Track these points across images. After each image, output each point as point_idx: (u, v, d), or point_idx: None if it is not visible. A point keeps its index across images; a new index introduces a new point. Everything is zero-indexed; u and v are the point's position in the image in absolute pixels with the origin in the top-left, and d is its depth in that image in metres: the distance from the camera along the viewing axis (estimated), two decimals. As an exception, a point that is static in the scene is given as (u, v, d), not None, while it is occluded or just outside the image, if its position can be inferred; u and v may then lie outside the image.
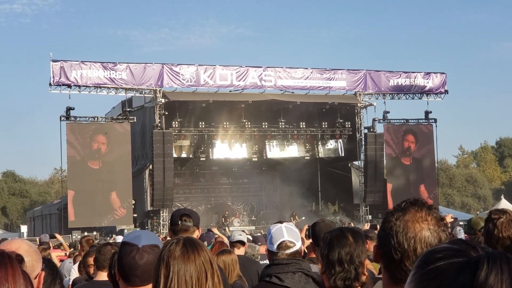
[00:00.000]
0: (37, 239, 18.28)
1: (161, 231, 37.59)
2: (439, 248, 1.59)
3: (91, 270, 7.99)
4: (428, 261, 1.57)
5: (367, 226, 15.66)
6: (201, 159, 44.69)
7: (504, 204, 47.18)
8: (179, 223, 5.14)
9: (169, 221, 5.95)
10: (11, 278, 2.10)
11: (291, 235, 4.69)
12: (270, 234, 4.78)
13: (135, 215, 40.99)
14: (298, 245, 4.68)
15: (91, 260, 8.03)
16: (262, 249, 10.67)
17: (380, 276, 5.22)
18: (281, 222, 4.90)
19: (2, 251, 2.22)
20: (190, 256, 2.93)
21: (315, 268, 5.42)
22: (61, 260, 11.88)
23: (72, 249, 12.68)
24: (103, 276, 6.39)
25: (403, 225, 2.47)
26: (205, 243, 10.72)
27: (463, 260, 1.51)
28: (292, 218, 43.37)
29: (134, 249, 3.55)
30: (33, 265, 3.21)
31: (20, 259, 3.02)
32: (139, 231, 4.07)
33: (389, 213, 2.56)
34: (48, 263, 5.36)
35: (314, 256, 6.02)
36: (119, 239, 17.35)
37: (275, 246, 4.67)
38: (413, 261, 2.16)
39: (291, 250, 4.63)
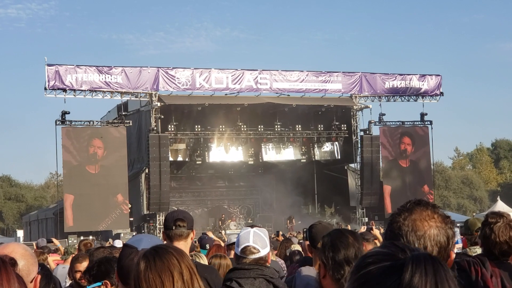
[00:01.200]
0: (34, 244, 18.24)
1: (158, 235, 37.54)
2: (370, 253, 1.65)
3: (78, 276, 7.74)
4: (360, 266, 1.62)
5: (363, 229, 15.66)
6: (197, 162, 44.69)
7: (500, 206, 47.23)
8: (173, 228, 5.11)
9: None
10: (6, 282, 2.09)
11: (257, 241, 4.66)
12: (238, 237, 4.78)
13: (131, 218, 40.93)
14: (263, 252, 4.64)
15: (80, 266, 7.83)
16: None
17: None
18: (252, 226, 4.89)
19: None
20: (151, 265, 2.92)
21: (311, 269, 5.40)
22: (58, 264, 11.84)
23: (64, 255, 12.59)
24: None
25: (411, 224, 2.51)
26: (207, 246, 10.72)
27: (389, 264, 1.57)
28: (289, 221, 43.39)
29: (133, 252, 3.56)
30: (29, 269, 3.19)
31: (13, 262, 3.00)
32: (143, 234, 4.11)
33: (396, 214, 2.60)
34: (42, 267, 5.35)
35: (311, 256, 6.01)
36: (118, 243, 17.32)
37: (239, 250, 4.66)
38: None
39: (254, 256, 4.61)
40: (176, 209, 5.33)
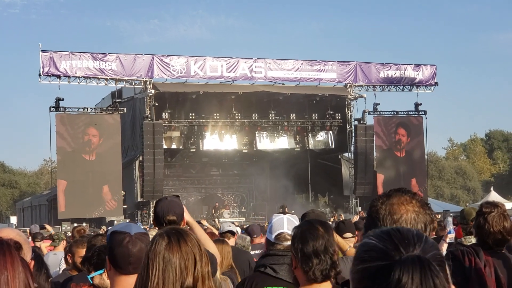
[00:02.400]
0: (28, 230, 18.24)
1: (151, 222, 37.51)
2: (367, 246, 1.72)
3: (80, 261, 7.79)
4: (358, 260, 1.71)
5: (356, 218, 15.68)
6: (191, 150, 44.64)
7: (493, 196, 47.41)
8: (164, 225, 5.07)
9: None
10: (10, 266, 2.10)
11: (291, 227, 4.66)
12: (271, 224, 4.77)
13: (125, 206, 40.94)
14: None
15: (82, 252, 7.83)
16: (257, 240, 10.68)
17: None
18: (284, 213, 4.89)
19: (1, 239, 2.22)
20: (175, 248, 2.91)
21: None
22: (51, 251, 11.83)
23: (54, 241, 12.53)
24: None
25: (389, 208, 2.53)
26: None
27: (381, 265, 1.64)
28: (281, 210, 43.36)
29: (126, 237, 3.55)
30: (24, 254, 3.19)
31: (18, 246, 3.00)
32: (127, 222, 4.10)
33: (374, 199, 2.63)
34: (33, 253, 5.34)
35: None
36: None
37: (273, 236, 4.66)
38: None
39: (289, 242, 4.62)
40: (166, 197, 5.10)
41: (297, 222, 4.77)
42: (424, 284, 1.61)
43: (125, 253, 3.49)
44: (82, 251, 7.71)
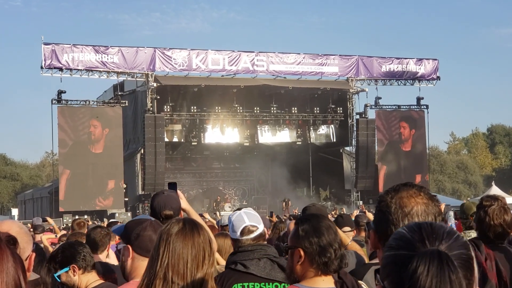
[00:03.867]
0: (30, 224, 18.24)
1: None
2: (396, 235, 1.80)
3: None
4: (388, 245, 1.79)
5: (357, 212, 15.69)
6: (193, 143, 44.62)
7: (495, 190, 47.30)
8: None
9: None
10: None
11: (252, 219, 4.67)
12: (231, 222, 4.75)
13: (126, 199, 40.95)
14: (260, 228, 4.65)
15: None
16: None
17: (373, 261, 5.22)
18: (239, 209, 4.87)
19: None
20: (188, 235, 2.96)
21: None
22: (52, 243, 11.85)
23: (59, 233, 12.57)
24: (97, 258, 6.37)
25: (399, 202, 2.56)
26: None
27: (403, 254, 1.72)
28: (284, 204, 43.42)
29: (148, 223, 3.63)
30: (24, 247, 3.19)
31: (12, 240, 3.00)
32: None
33: (383, 194, 2.65)
34: (35, 245, 5.34)
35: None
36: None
37: (238, 233, 4.64)
38: None
39: (255, 234, 4.60)
40: (162, 192, 5.03)
41: (254, 213, 4.77)
42: (439, 278, 1.65)
43: (150, 236, 3.53)
44: None
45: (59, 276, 5.21)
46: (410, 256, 1.70)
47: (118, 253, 9.74)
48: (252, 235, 4.60)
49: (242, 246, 4.60)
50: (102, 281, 5.29)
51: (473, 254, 1.76)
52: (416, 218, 2.49)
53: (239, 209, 4.87)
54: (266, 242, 4.72)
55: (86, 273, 5.22)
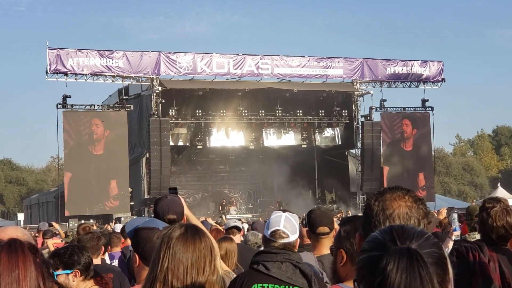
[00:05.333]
0: (36, 229, 18.27)
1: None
2: (370, 237, 1.82)
3: None
4: (362, 249, 1.80)
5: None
6: (198, 147, 44.65)
7: (500, 192, 47.27)
8: None
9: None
10: (22, 264, 2.13)
11: (288, 226, 4.67)
12: (269, 220, 4.78)
13: (132, 203, 40.99)
14: (292, 238, 4.66)
15: None
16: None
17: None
18: (284, 211, 4.88)
19: (14, 238, 2.25)
20: (189, 240, 2.98)
21: (309, 255, 5.41)
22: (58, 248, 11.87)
23: (66, 237, 12.60)
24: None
25: (382, 204, 2.56)
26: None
27: (374, 255, 1.72)
28: (278, 205, 43.54)
29: (156, 233, 3.64)
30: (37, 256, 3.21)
31: (33, 248, 3.02)
32: (144, 217, 4.15)
33: (369, 198, 2.66)
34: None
35: (308, 242, 6.01)
36: (118, 227, 17.37)
37: (269, 233, 4.67)
38: None
39: (284, 240, 4.61)
40: (166, 196, 5.01)
41: (295, 222, 4.76)
42: (409, 274, 1.65)
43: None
44: None
45: (57, 276, 5.19)
46: (382, 256, 1.71)
47: (123, 256, 9.77)
48: (281, 241, 4.61)
49: (267, 246, 4.63)
50: None
51: (446, 254, 1.76)
52: (398, 221, 2.48)
53: (284, 210, 4.88)
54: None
55: (86, 280, 5.23)
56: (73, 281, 5.16)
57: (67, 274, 5.19)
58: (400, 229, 1.79)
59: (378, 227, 2.46)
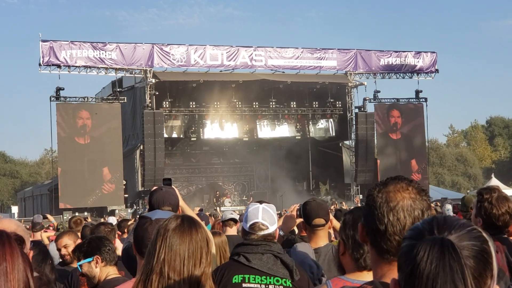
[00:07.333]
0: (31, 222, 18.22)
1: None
2: (412, 226, 1.83)
3: (65, 252, 7.65)
4: (404, 237, 1.82)
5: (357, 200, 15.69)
6: (192, 139, 44.62)
7: (494, 182, 47.34)
8: None
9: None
10: (9, 257, 2.10)
11: (266, 217, 4.65)
12: (246, 213, 4.75)
13: (126, 195, 40.96)
14: (271, 229, 4.64)
15: (65, 240, 7.74)
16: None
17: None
18: (261, 202, 4.85)
19: (1, 230, 2.22)
20: (186, 232, 2.96)
21: (306, 246, 5.39)
22: (52, 240, 11.85)
23: (57, 231, 12.55)
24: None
25: (385, 196, 2.51)
26: (203, 223, 10.79)
27: (412, 244, 1.72)
28: (252, 199, 43.53)
29: (147, 221, 3.63)
30: (25, 248, 3.19)
31: (20, 240, 3.00)
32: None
33: (371, 188, 2.62)
34: (38, 244, 5.37)
35: (305, 234, 5.99)
36: (112, 219, 17.36)
37: (248, 226, 4.65)
38: (398, 230, 2.38)
39: (263, 232, 4.60)
40: (161, 188, 5.00)
41: (273, 212, 4.73)
42: (439, 264, 1.64)
43: (145, 237, 3.54)
44: (62, 242, 7.73)
45: (81, 266, 5.34)
46: (416, 245, 1.71)
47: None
48: (260, 233, 4.60)
49: (247, 239, 4.62)
50: (119, 275, 5.36)
51: (491, 250, 1.71)
52: (402, 214, 2.45)
53: (260, 202, 4.85)
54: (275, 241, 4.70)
55: (108, 266, 5.31)
56: (95, 267, 5.27)
57: (89, 262, 5.31)
58: (442, 220, 1.78)
59: (381, 220, 2.45)
